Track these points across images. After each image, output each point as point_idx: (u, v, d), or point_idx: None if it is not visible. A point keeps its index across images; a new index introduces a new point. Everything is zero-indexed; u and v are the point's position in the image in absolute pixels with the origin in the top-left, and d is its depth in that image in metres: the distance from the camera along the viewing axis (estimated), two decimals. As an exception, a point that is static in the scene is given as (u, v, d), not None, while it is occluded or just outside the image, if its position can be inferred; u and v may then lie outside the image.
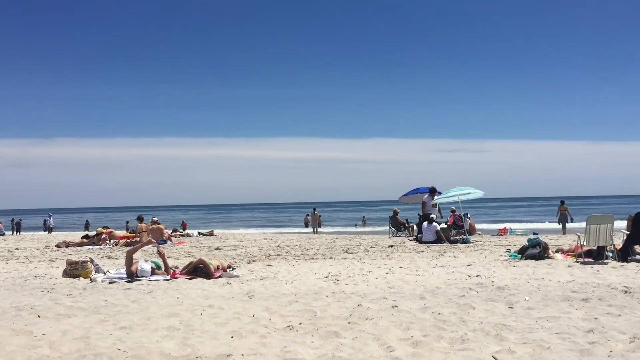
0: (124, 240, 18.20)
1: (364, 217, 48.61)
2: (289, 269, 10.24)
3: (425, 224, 16.59)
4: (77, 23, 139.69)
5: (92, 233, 19.98)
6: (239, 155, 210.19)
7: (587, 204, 77.41)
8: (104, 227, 19.64)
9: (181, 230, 25.77)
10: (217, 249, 15.81)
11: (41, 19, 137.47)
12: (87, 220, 44.61)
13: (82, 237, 18.79)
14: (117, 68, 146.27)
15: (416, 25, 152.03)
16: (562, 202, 23.54)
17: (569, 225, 23.12)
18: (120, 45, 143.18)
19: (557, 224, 23.53)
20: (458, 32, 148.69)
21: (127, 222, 35.96)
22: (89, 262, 9.53)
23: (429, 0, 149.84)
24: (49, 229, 35.98)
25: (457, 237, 16.80)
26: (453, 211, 19.12)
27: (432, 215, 16.87)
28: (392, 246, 15.46)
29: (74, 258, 10.06)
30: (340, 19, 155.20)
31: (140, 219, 18.96)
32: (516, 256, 11.28)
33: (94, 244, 17.72)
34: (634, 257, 10.39)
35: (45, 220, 40.22)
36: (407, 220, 21.95)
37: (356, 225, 44.09)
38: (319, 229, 30.02)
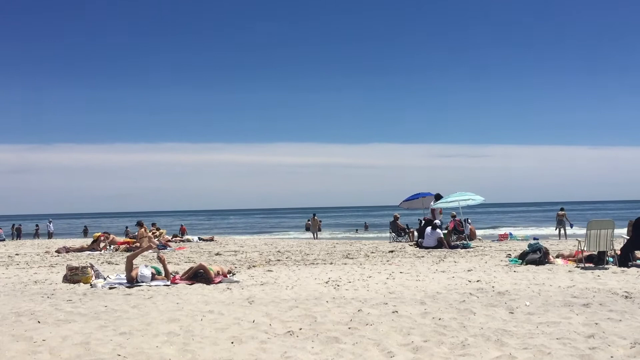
0: (124, 246, 18.18)
1: (365, 223, 48.28)
2: (289, 274, 10.23)
3: (428, 229, 16.58)
4: (77, 28, 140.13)
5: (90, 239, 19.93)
6: (239, 161, 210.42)
7: (587, 209, 77.42)
8: (103, 233, 19.60)
9: (180, 236, 25.68)
10: (217, 254, 15.80)
11: (41, 23, 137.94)
12: (85, 226, 44.56)
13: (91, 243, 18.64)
14: (116, 73, 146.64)
15: (416, 29, 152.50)
16: (562, 209, 24.07)
17: (568, 231, 23.41)
18: (120, 50, 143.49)
19: (554, 229, 23.99)
20: (458, 37, 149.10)
21: (127, 227, 35.90)
22: (89, 268, 9.53)
23: (429, 4, 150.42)
24: (49, 235, 35.93)
25: (458, 243, 16.80)
26: (454, 216, 19.14)
27: (435, 221, 16.86)
28: (392, 251, 15.45)
29: (74, 263, 10.06)
30: (339, 23, 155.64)
31: (140, 225, 18.94)
32: (517, 261, 11.28)
33: (94, 249, 17.70)
34: (634, 262, 10.39)
35: (37, 226, 39.95)
36: (407, 225, 21.96)
37: (357, 230, 43.96)
38: (319, 234, 30.01)
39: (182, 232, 27.81)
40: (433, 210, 18.30)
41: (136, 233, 19.11)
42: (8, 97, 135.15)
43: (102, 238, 18.16)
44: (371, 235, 35.75)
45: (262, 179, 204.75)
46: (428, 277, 9.38)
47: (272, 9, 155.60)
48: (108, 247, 18.05)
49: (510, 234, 24.40)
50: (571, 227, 23.45)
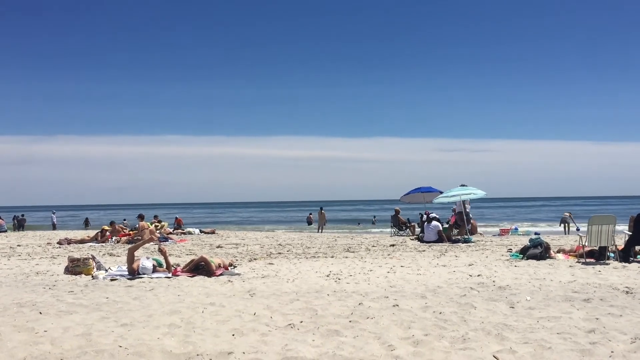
0: (125, 238, 18.22)
1: (374, 217, 46.93)
2: (290, 267, 10.25)
3: (426, 223, 16.61)
4: (79, 20, 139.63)
5: (93, 231, 19.95)
6: (241, 154, 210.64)
7: (589, 205, 77.38)
8: (109, 224, 19.64)
9: (178, 228, 25.34)
10: (218, 247, 15.82)
11: (43, 16, 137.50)
12: (86, 218, 44.56)
13: (97, 233, 18.68)
14: (119, 66, 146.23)
15: (417, 24, 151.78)
16: (569, 213, 25.38)
17: (573, 229, 23.63)
18: (123, 43, 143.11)
19: (559, 225, 24.52)
20: (460, 32, 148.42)
21: (125, 219, 35.84)
22: (90, 259, 9.55)
23: (429, 0, 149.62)
24: (53, 226, 35.97)
25: (459, 237, 16.79)
26: (454, 210, 19.12)
27: (432, 214, 16.88)
28: (393, 245, 15.45)
29: (76, 255, 10.08)
30: (340, 18, 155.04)
31: (141, 217, 18.97)
32: (518, 256, 11.28)
33: (96, 240, 17.76)
34: (635, 257, 10.38)
35: (15, 217, 39.19)
36: (408, 219, 21.97)
37: (359, 223, 43.63)
38: (324, 228, 29.89)
39: (178, 223, 26.70)
40: (464, 203, 18.16)
41: (137, 225, 19.13)
42: (10, 88, 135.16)
43: (109, 236, 18.15)
44: (372, 229, 35.64)
45: (263, 172, 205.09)
46: (429, 271, 9.38)
47: (274, 4, 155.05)
48: (109, 238, 18.09)
49: (515, 227, 24.46)
50: (577, 230, 23.44)
